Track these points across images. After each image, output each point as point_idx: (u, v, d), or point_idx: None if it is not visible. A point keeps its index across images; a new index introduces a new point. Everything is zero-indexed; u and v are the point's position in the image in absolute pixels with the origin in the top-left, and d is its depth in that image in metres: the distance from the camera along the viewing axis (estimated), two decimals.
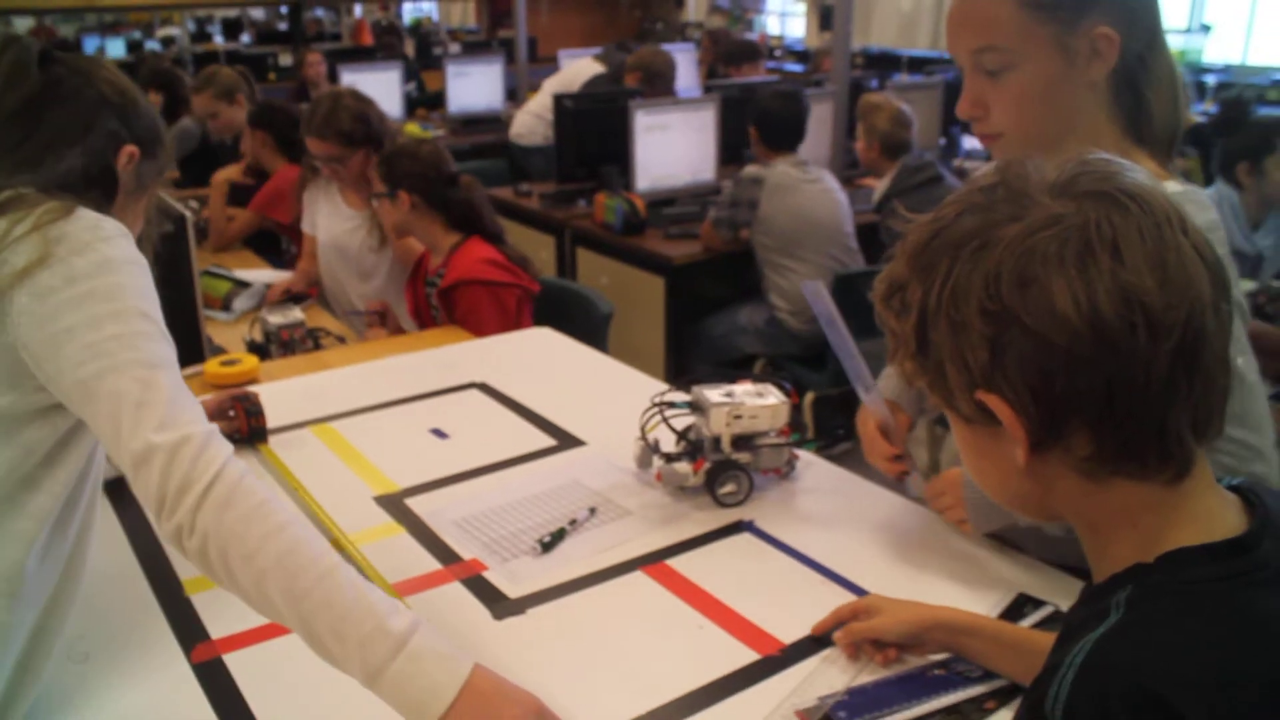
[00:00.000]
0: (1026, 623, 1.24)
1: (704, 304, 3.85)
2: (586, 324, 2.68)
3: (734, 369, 3.64)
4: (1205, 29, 6.48)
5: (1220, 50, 6.54)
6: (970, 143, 5.38)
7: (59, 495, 1.08)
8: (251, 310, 2.85)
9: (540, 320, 2.53)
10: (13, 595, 1.04)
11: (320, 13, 10.52)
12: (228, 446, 1.03)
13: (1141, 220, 0.70)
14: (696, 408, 1.58)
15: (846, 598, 1.32)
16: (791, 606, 1.30)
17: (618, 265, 3.96)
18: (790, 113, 3.62)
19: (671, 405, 1.60)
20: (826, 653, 1.21)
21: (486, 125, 6.15)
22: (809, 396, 3.54)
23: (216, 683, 1.17)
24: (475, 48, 8.73)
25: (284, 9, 9.87)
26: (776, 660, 1.20)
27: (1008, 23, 1.21)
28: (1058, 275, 0.69)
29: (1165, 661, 0.68)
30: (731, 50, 6.39)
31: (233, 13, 10.63)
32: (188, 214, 2.12)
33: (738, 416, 1.55)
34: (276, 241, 3.68)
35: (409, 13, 11.69)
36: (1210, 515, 0.75)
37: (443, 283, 2.49)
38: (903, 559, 1.42)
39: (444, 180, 2.58)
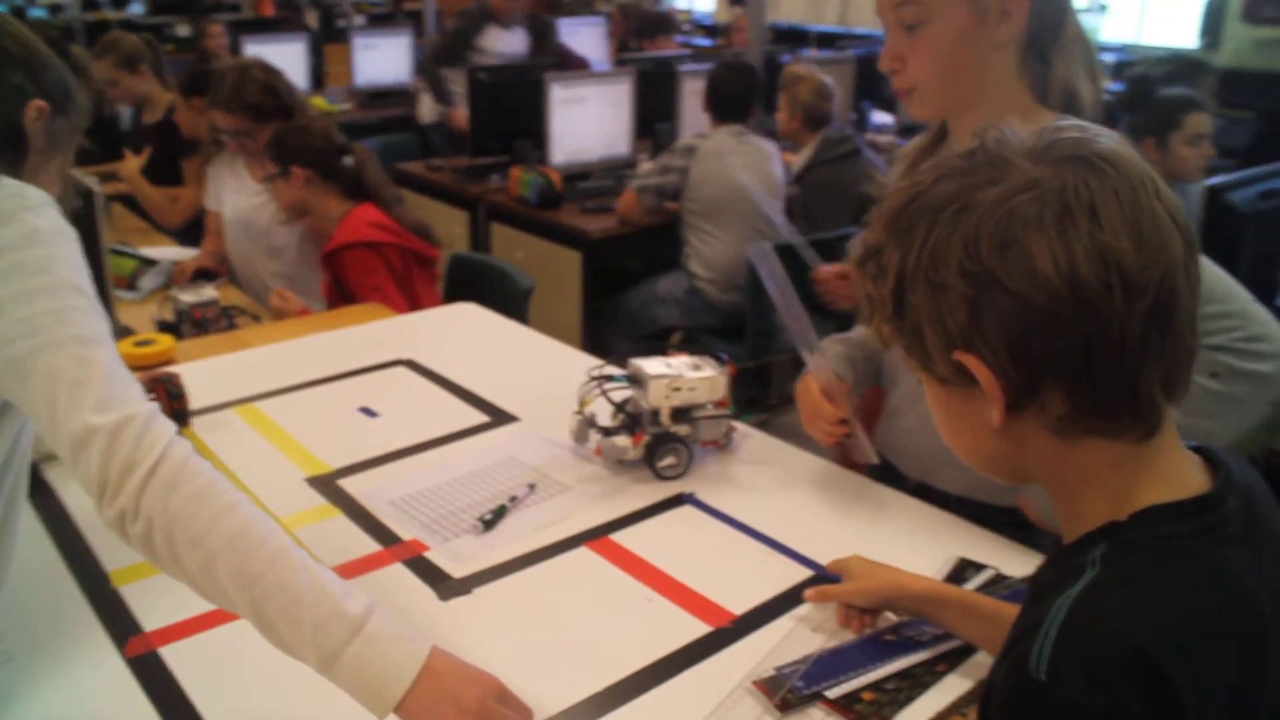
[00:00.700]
0: (970, 585, 1.26)
1: (621, 278, 3.83)
2: (507, 299, 2.64)
3: (651, 342, 3.63)
4: (1102, 8, 6.65)
5: (1116, 29, 6.72)
6: (879, 118, 5.44)
7: None
8: (160, 289, 2.75)
9: (458, 296, 2.49)
10: None
11: None
12: (170, 425, 0.99)
13: (1117, 183, 0.70)
14: (634, 381, 1.57)
15: (791, 567, 1.33)
16: (738, 577, 1.31)
17: (533, 240, 3.92)
18: (740, 84, 3.63)
19: (610, 379, 1.58)
20: (781, 622, 1.21)
21: (395, 99, 6.02)
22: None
23: (153, 677, 1.12)
24: (381, 20, 8.54)
25: None
26: (729, 632, 1.20)
27: None
28: (1037, 237, 0.69)
29: (1148, 618, 0.69)
30: (644, 22, 6.36)
31: None
32: (96, 188, 2.03)
33: (676, 389, 1.54)
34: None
35: None
36: (1178, 474, 0.77)
37: (326, 248, 2.48)
38: (843, 527, 1.43)
39: (334, 151, 2.56)
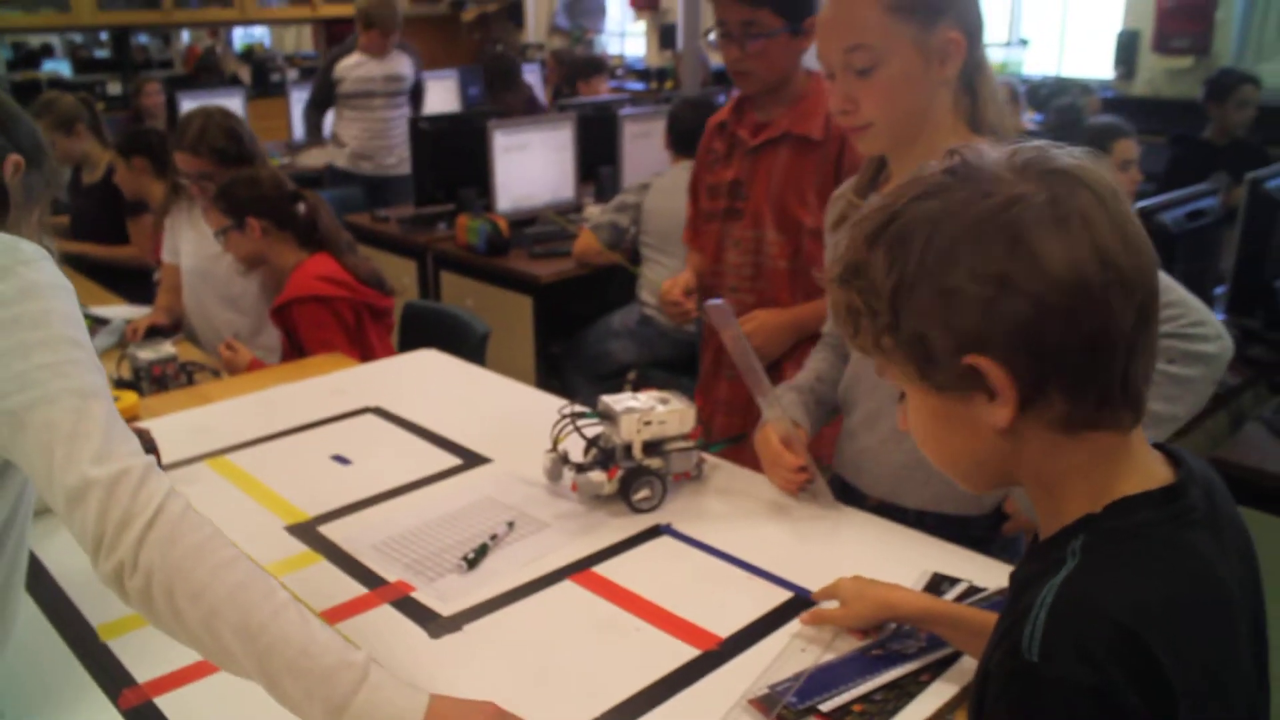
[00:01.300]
0: (948, 598, 1.31)
1: (573, 321, 3.87)
2: (463, 346, 2.66)
3: (607, 381, 3.67)
4: (1023, 43, 6.88)
5: (1037, 63, 6.96)
6: None
7: None
8: (113, 348, 2.73)
9: (414, 344, 2.51)
10: None
11: (144, 39, 10.12)
12: (166, 479, 1.00)
13: (1097, 193, 0.76)
14: (605, 417, 1.61)
15: (771, 590, 1.37)
16: (721, 602, 1.34)
17: (483, 286, 3.95)
18: (699, 120, 3.69)
19: (581, 415, 1.62)
20: (767, 642, 1.25)
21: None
22: None
23: None
24: (313, 74, 8.54)
25: (103, 35, 9.48)
26: (716, 655, 1.24)
27: (874, 24, 1.38)
28: (1045, 240, 0.75)
29: (1131, 599, 0.73)
30: (577, 67, 6.46)
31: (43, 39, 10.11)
32: (51, 248, 2.02)
33: (647, 423, 1.58)
34: (144, 274, 3.54)
35: (240, 39, 11.34)
36: (1146, 467, 0.82)
37: (275, 301, 2.48)
38: (817, 548, 1.47)
39: (287, 200, 2.56)
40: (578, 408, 1.65)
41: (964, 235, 0.77)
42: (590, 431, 1.62)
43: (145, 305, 3.16)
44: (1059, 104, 3.67)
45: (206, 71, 7.93)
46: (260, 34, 12.18)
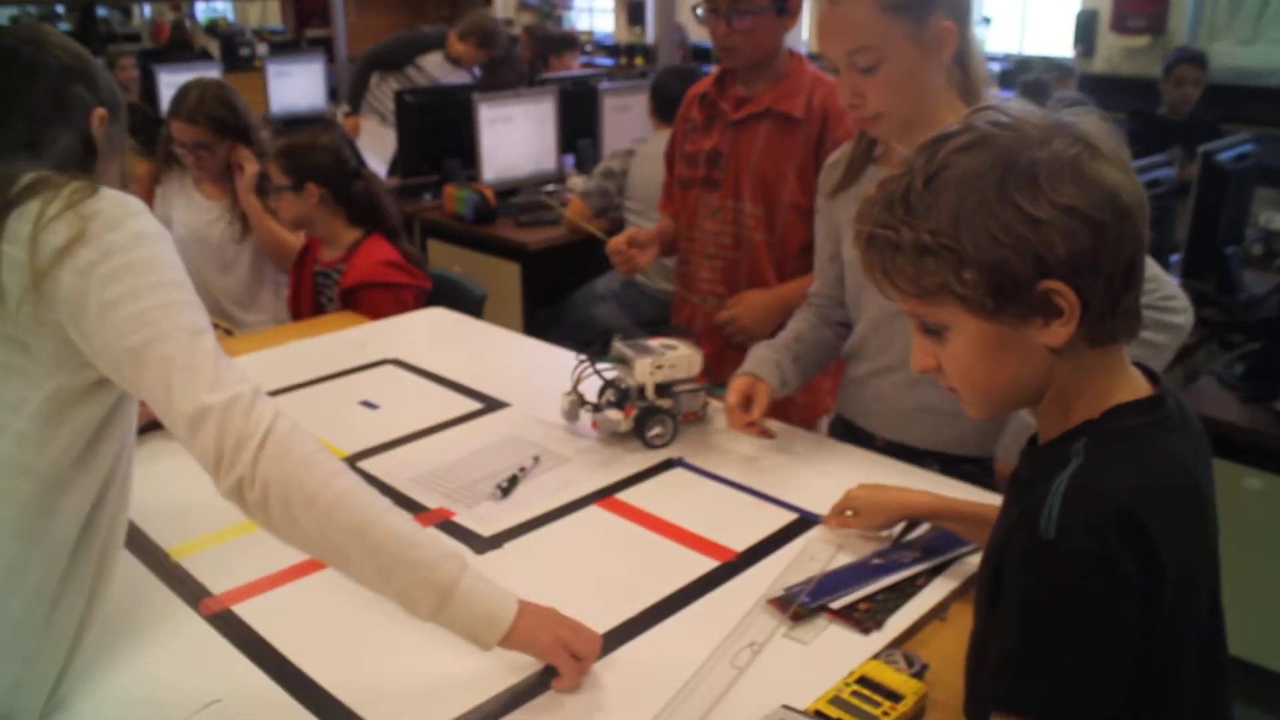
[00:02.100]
0: (919, 531, 1.45)
1: (558, 288, 3.99)
2: (461, 309, 2.78)
3: (589, 347, 3.79)
4: (986, 20, 7.06)
5: (999, 41, 7.14)
6: None
7: (99, 477, 1.14)
8: None
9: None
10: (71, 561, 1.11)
11: (103, 12, 10.06)
12: (272, 402, 1.12)
13: (1100, 142, 0.91)
14: (621, 361, 1.75)
15: (778, 512, 1.52)
16: (734, 523, 1.49)
17: (470, 254, 4.06)
18: (678, 87, 3.81)
19: (599, 359, 1.76)
20: (779, 555, 1.40)
21: (309, 125, 6.09)
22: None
23: (235, 630, 1.25)
24: (283, 48, 8.57)
25: (59, 8, 9.42)
26: (733, 565, 1.39)
27: (871, 24, 1.48)
28: (1102, 175, 0.88)
29: (1131, 487, 0.88)
30: (550, 43, 6.54)
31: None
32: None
33: (659, 366, 1.72)
34: None
35: (202, 12, 11.29)
36: (1135, 380, 0.98)
37: (344, 282, 2.53)
38: (821, 479, 1.61)
39: (349, 174, 2.61)
40: (586, 354, 1.79)
41: (1032, 171, 0.88)
42: (609, 375, 1.75)
43: None
44: (1025, 80, 3.83)
45: (179, 46, 7.92)
46: (223, 8, 12.13)
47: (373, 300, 2.53)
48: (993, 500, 1.47)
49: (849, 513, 1.44)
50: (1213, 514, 0.99)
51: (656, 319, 3.79)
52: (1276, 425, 2.26)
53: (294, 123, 6.05)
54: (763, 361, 1.73)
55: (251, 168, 2.89)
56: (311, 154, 2.57)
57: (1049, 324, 0.91)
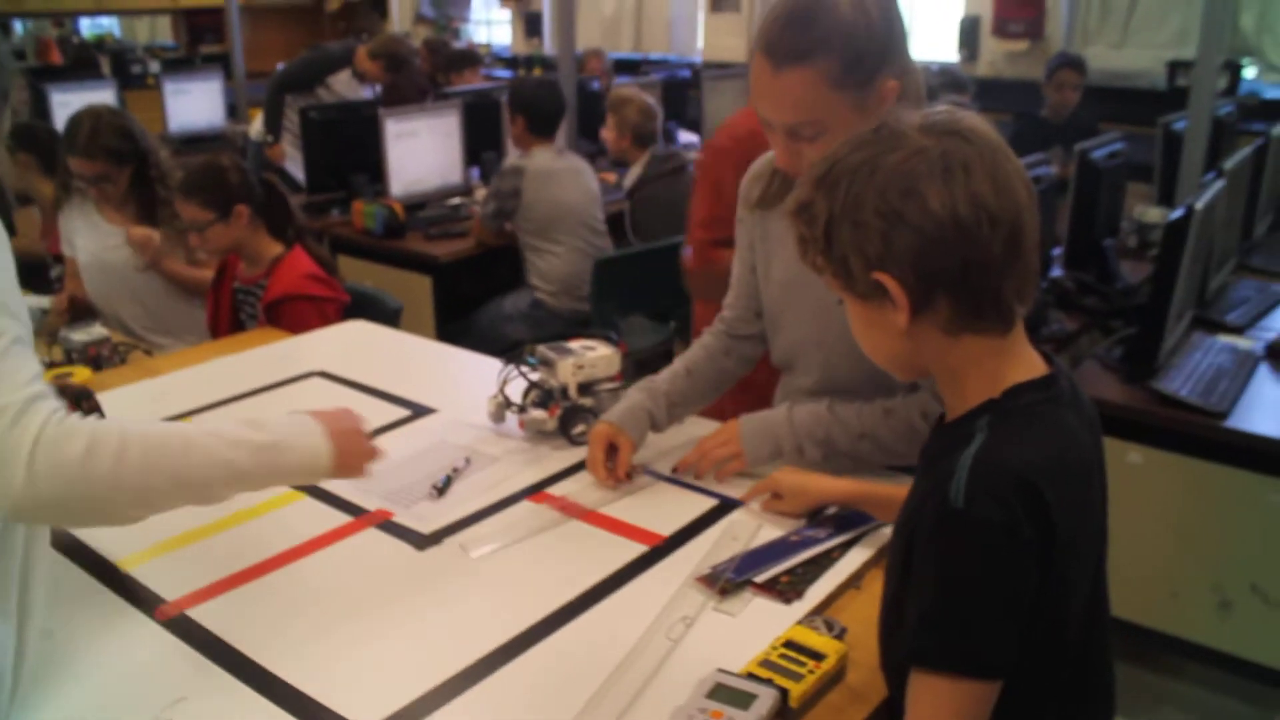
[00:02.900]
0: (832, 509, 1.56)
1: (467, 300, 4.05)
2: (379, 322, 2.83)
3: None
4: None
5: None
6: (685, 137, 5.85)
7: None
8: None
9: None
10: None
11: None
12: (51, 404, 1.07)
13: (981, 148, 1.01)
14: (544, 363, 1.83)
15: (699, 499, 1.62)
16: (659, 509, 1.59)
17: (380, 268, 4.09)
18: (553, 100, 3.89)
19: (524, 362, 1.84)
20: (703, 537, 1.50)
21: (209, 144, 6.04)
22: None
23: (192, 633, 1.30)
24: (177, 65, 8.44)
25: None
26: (662, 549, 1.48)
27: (817, 101, 1.45)
28: (930, 187, 0.99)
29: (1029, 459, 1.00)
30: (450, 59, 6.58)
31: None
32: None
33: (580, 366, 1.81)
34: (40, 268, 3.58)
35: (87, 29, 11.02)
36: (1029, 361, 1.09)
37: (268, 296, 2.56)
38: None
39: (261, 185, 2.63)
40: (508, 359, 1.87)
41: (873, 181, 1.02)
42: (532, 377, 1.84)
43: (43, 295, 3.21)
44: (942, 83, 4.02)
45: (82, 65, 7.75)
46: (109, 24, 11.86)
47: (297, 313, 2.55)
48: (905, 482, 1.60)
49: (772, 496, 1.55)
50: (1102, 482, 1.12)
51: (566, 336, 3.86)
52: (1154, 403, 2.43)
53: (193, 141, 6.01)
54: (632, 413, 1.71)
55: (152, 240, 2.85)
56: (225, 176, 2.58)
57: (895, 310, 1.04)
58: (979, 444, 1.02)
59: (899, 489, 1.45)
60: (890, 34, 1.47)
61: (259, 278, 2.63)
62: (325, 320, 2.57)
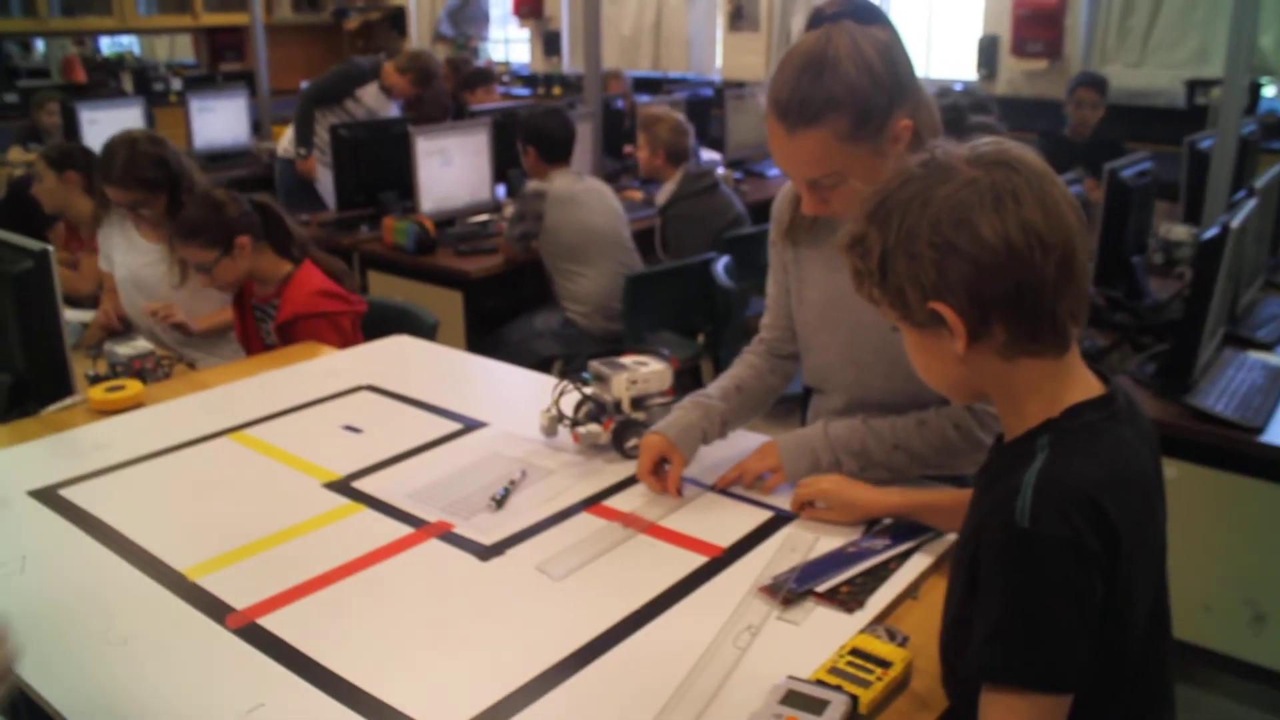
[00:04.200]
0: (886, 521, 1.59)
1: (497, 315, 4.09)
2: (416, 335, 2.86)
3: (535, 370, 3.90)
4: None
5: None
6: (707, 155, 5.88)
7: None
8: (73, 349, 2.84)
9: (371, 336, 2.68)
10: None
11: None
12: None
13: (1029, 177, 1.04)
14: (598, 378, 1.86)
15: (755, 511, 1.65)
16: (716, 522, 1.61)
17: (411, 284, 4.13)
18: (562, 127, 3.93)
19: (578, 377, 1.87)
20: (761, 548, 1.53)
21: (235, 160, 6.10)
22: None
23: (264, 641, 1.32)
24: (199, 82, 8.51)
25: None
26: (722, 560, 1.50)
27: (833, 155, 1.49)
28: (981, 216, 1.03)
29: (1093, 476, 1.02)
30: (467, 76, 6.65)
31: None
32: (50, 249, 2.17)
33: (634, 381, 1.84)
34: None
35: (107, 47, 11.12)
36: (1086, 381, 1.12)
37: (280, 316, 2.58)
38: (788, 485, 1.74)
39: (255, 208, 2.65)
40: (561, 372, 1.90)
41: (926, 213, 1.05)
42: (587, 391, 1.86)
43: (76, 309, 3.25)
44: (943, 104, 4.03)
45: (103, 83, 7.82)
46: (129, 42, 11.96)
47: (311, 331, 2.59)
48: (946, 489, 1.62)
49: (820, 504, 1.58)
50: (1160, 496, 1.15)
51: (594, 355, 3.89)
52: (1189, 419, 2.45)
53: (218, 158, 6.06)
54: (688, 430, 1.73)
55: (172, 314, 2.90)
56: (222, 212, 2.59)
57: (952, 337, 1.07)
58: (1041, 462, 1.04)
59: (947, 495, 1.52)
60: (896, 79, 1.50)
61: (271, 297, 2.67)
62: (341, 332, 2.61)
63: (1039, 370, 1.09)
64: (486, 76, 6.81)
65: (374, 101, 5.44)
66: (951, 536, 1.53)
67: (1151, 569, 1.12)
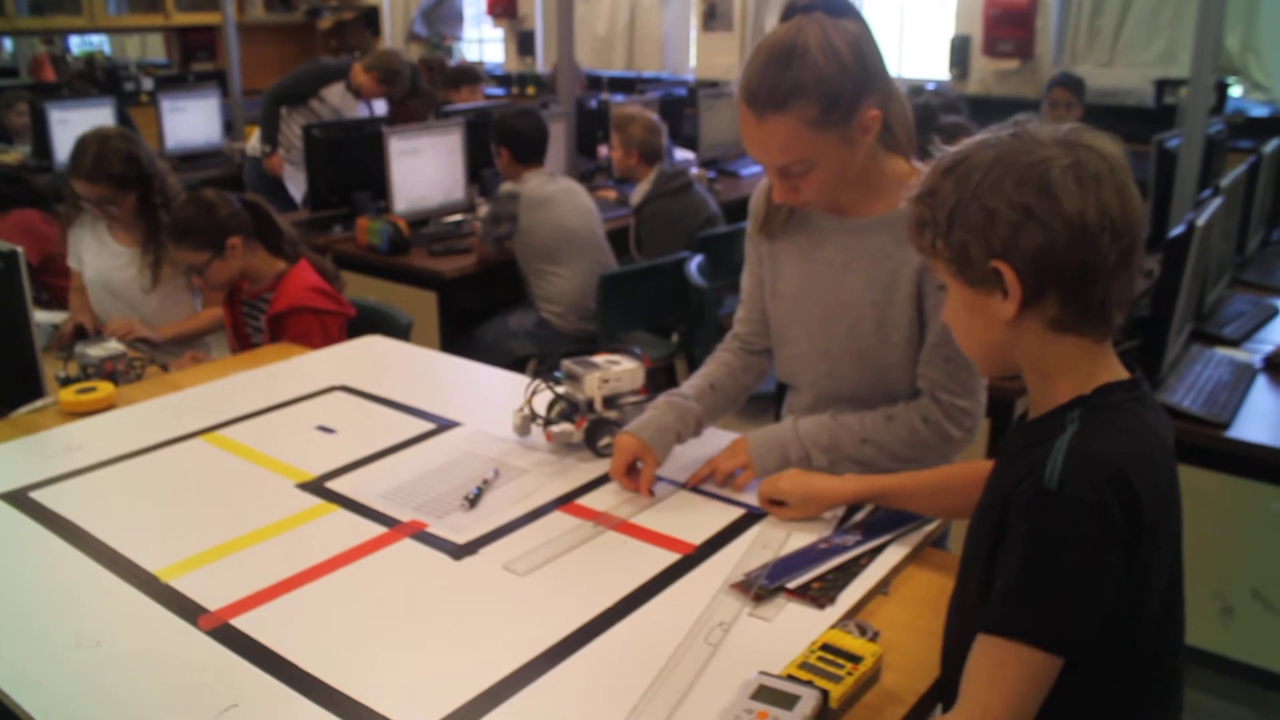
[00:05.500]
0: (859, 515, 1.61)
1: (472, 315, 4.09)
2: (389, 336, 2.86)
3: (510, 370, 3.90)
4: None
5: None
6: (681, 154, 5.89)
7: None
8: (44, 351, 2.82)
9: (348, 335, 2.68)
10: None
11: None
12: None
13: (1112, 165, 1.07)
14: (570, 377, 1.86)
15: (726, 509, 1.66)
16: (689, 519, 1.62)
17: (384, 284, 4.12)
18: (535, 128, 3.93)
19: (550, 377, 1.87)
20: (734, 545, 1.54)
21: (207, 161, 6.07)
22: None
23: (237, 642, 1.32)
24: (170, 82, 8.45)
25: None
26: (694, 557, 1.51)
27: (802, 141, 1.52)
28: (1065, 190, 1.05)
29: (1121, 449, 1.05)
30: (450, 76, 6.63)
31: None
32: (19, 250, 2.15)
33: (606, 380, 1.84)
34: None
35: (77, 46, 11.01)
36: (1115, 366, 1.15)
37: (273, 308, 2.59)
38: (759, 481, 1.76)
39: (245, 208, 2.65)
40: (533, 372, 1.90)
41: (1010, 175, 1.07)
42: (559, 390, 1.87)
43: (46, 310, 3.23)
44: (914, 104, 4.05)
45: (81, 81, 7.74)
46: (99, 41, 11.86)
47: (301, 325, 2.58)
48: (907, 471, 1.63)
49: (777, 504, 1.60)
50: (1178, 481, 1.17)
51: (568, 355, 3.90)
52: None
53: (190, 158, 6.02)
54: (662, 432, 1.73)
55: (133, 330, 2.88)
56: (212, 213, 2.59)
57: (1004, 299, 1.09)
58: (1072, 433, 1.08)
59: (905, 477, 1.55)
60: (864, 70, 1.52)
61: (263, 291, 2.67)
62: (327, 333, 2.60)
63: (1077, 349, 1.12)
64: (473, 76, 6.80)
65: (339, 101, 5.43)
66: (923, 532, 1.55)
67: (1169, 553, 1.15)
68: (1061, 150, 1.07)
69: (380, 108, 5.60)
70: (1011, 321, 1.11)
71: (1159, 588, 1.12)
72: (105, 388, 2.14)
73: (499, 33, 9.88)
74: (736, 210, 4.22)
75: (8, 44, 10.15)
